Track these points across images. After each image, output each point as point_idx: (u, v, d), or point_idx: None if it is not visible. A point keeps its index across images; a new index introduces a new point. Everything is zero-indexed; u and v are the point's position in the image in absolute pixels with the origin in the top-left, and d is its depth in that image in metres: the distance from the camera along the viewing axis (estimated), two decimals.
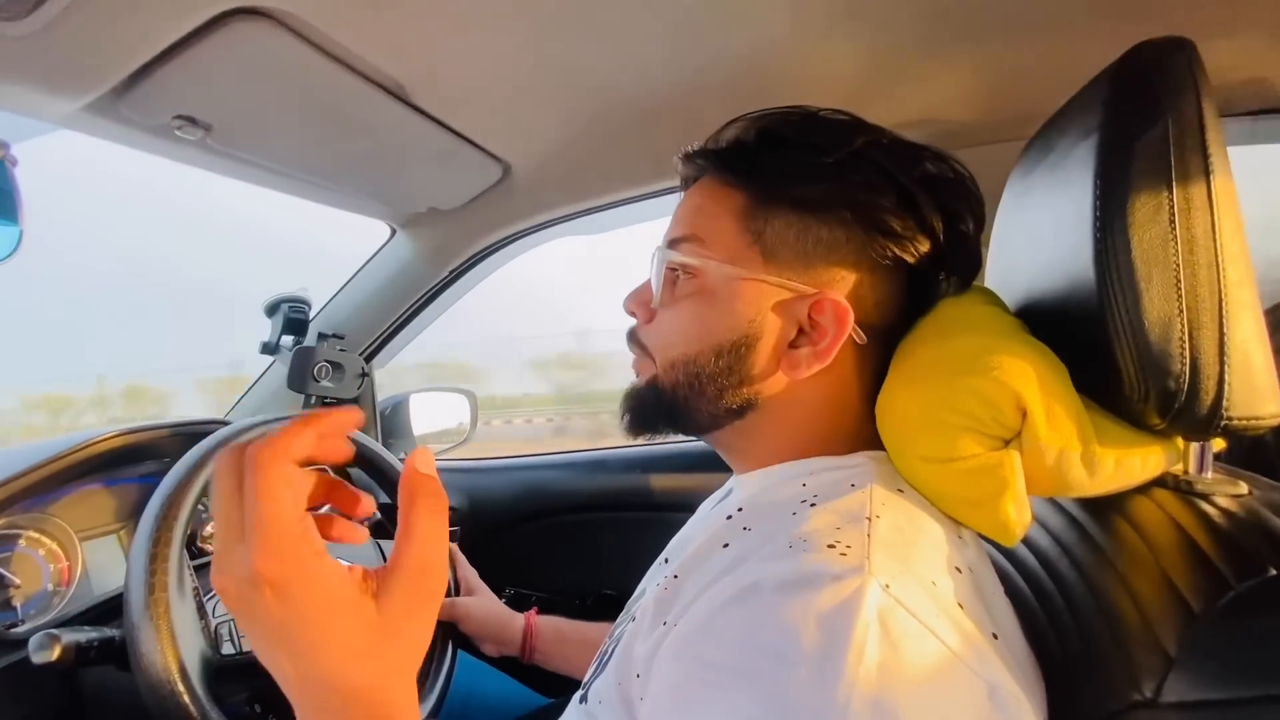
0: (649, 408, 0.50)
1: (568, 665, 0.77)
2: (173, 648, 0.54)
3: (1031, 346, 0.41)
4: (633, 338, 0.52)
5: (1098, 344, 0.39)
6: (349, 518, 0.36)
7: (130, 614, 0.55)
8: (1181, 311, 0.36)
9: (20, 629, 0.69)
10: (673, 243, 0.48)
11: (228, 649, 0.60)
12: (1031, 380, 0.39)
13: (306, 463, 0.33)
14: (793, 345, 0.45)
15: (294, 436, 0.32)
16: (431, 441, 1.33)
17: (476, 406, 1.40)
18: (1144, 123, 0.38)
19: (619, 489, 1.10)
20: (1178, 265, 0.37)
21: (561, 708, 0.55)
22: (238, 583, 0.30)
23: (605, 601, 1.09)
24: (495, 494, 1.18)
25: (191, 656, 0.55)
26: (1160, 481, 0.43)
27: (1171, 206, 0.37)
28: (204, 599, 0.60)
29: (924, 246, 0.45)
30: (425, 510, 0.33)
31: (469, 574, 0.86)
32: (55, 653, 0.55)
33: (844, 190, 0.44)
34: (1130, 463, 0.41)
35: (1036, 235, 0.47)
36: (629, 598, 0.55)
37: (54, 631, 0.56)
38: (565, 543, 1.13)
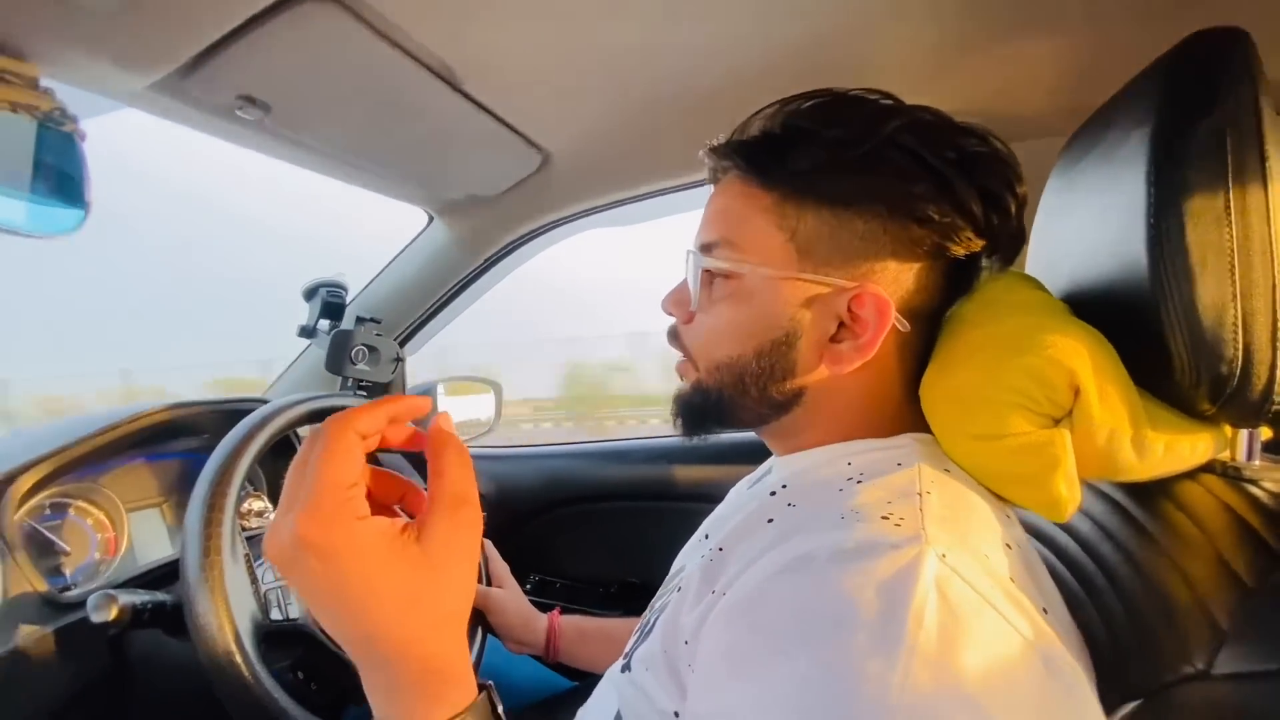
0: (696, 410, 0.50)
1: (591, 663, 0.78)
2: (227, 611, 0.56)
3: (1083, 328, 0.42)
4: (674, 336, 0.52)
5: (1149, 330, 0.39)
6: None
7: (187, 576, 0.57)
8: (1235, 298, 0.37)
9: (72, 593, 0.71)
10: (706, 247, 0.48)
11: (275, 615, 0.62)
12: (1085, 359, 0.39)
13: (375, 445, 0.35)
14: (834, 339, 0.45)
15: (366, 412, 0.33)
16: (458, 431, 1.34)
17: (502, 398, 1.42)
18: (1200, 112, 0.38)
19: (644, 479, 1.11)
20: (1233, 251, 0.37)
21: (587, 691, 0.56)
22: (282, 548, 0.31)
23: (628, 589, 1.10)
24: (522, 482, 1.19)
25: (244, 621, 0.57)
26: (1208, 468, 0.44)
27: (1227, 193, 0.37)
28: (254, 565, 0.62)
29: (964, 231, 0.44)
30: (453, 453, 0.35)
31: (499, 567, 0.87)
32: (113, 612, 0.57)
33: (875, 183, 0.43)
34: (1179, 447, 0.41)
35: (1083, 226, 0.48)
36: (652, 585, 0.55)
37: (111, 592, 0.58)
38: (590, 531, 1.14)
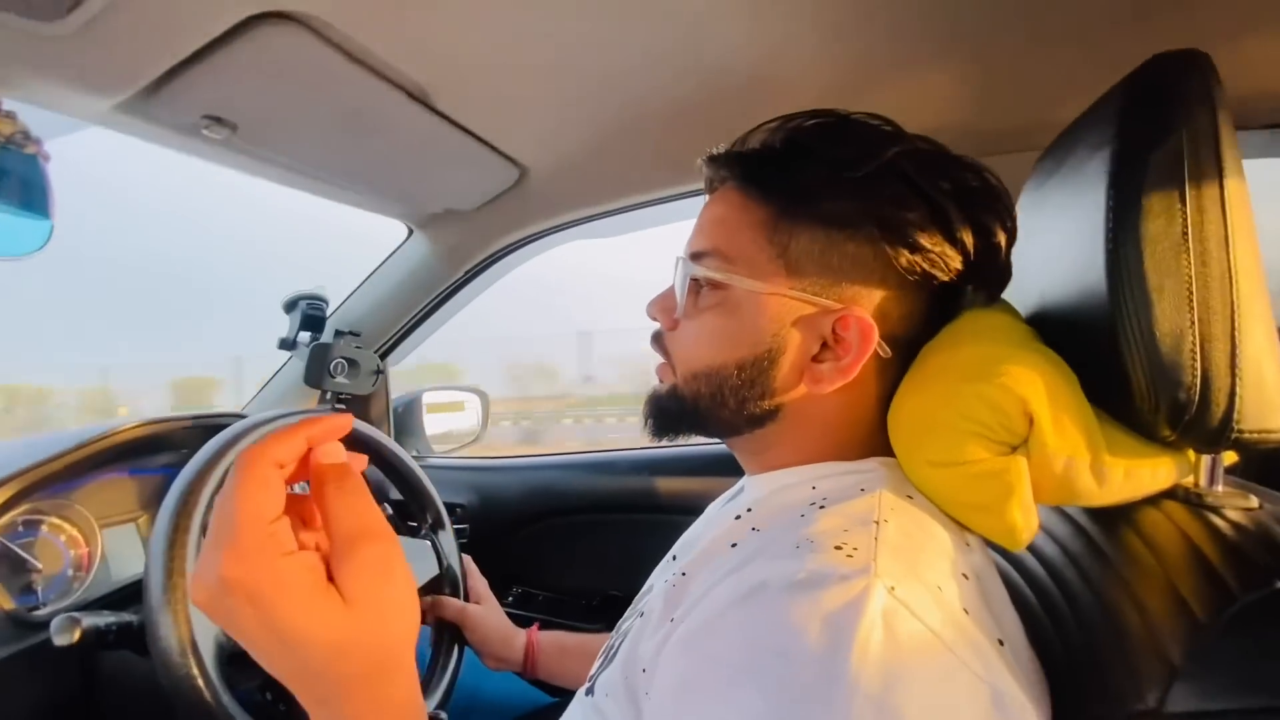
0: (670, 414, 0.50)
1: (570, 678, 0.78)
2: (189, 632, 0.55)
3: (1042, 355, 0.41)
4: (657, 341, 0.52)
5: (1109, 354, 0.39)
6: None
7: (149, 598, 0.56)
8: (1194, 323, 0.36)
9: (41, 612, 0.71)
10: (696, 255, 0.48)
11: None
12: (1039, 388, 0.39)
13: (295, 470, 0.34)
14: (816, 359, 0.45)
15: (280, 441, 0.32)
16: (442, 441, 1.34)
17: (488, 406, 1.42)
18: (1158, 135, 0.38)
19: (627, 490, 1.11)
20: (1190, 277, 0.37)
21: (564, 707, 0.55)
22: (209, 589, 0.30)
23: (611, 602, 1.09)
24: (504, 493, 1.18)
25: (206, 641, 0.56)
26: (1170, 493, 0.43)
27: (1185, 218, 0.37)
28: None
29: (954, 262, 0.44)
30: (332, 489, 0.33)
31: (479, 584, 0.87)
32: (75, 635, 0.57)
33: (871, 206, 0.43)
34: (1140, 473, 0.41)
35: (1050, 246, 0.47)
36: (634, 598, 0.55)
37: (75, 615, 0.58)
38: (572, 543, 1.14)
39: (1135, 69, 0.41)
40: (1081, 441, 0.40)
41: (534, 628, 0.82)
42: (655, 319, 0.52)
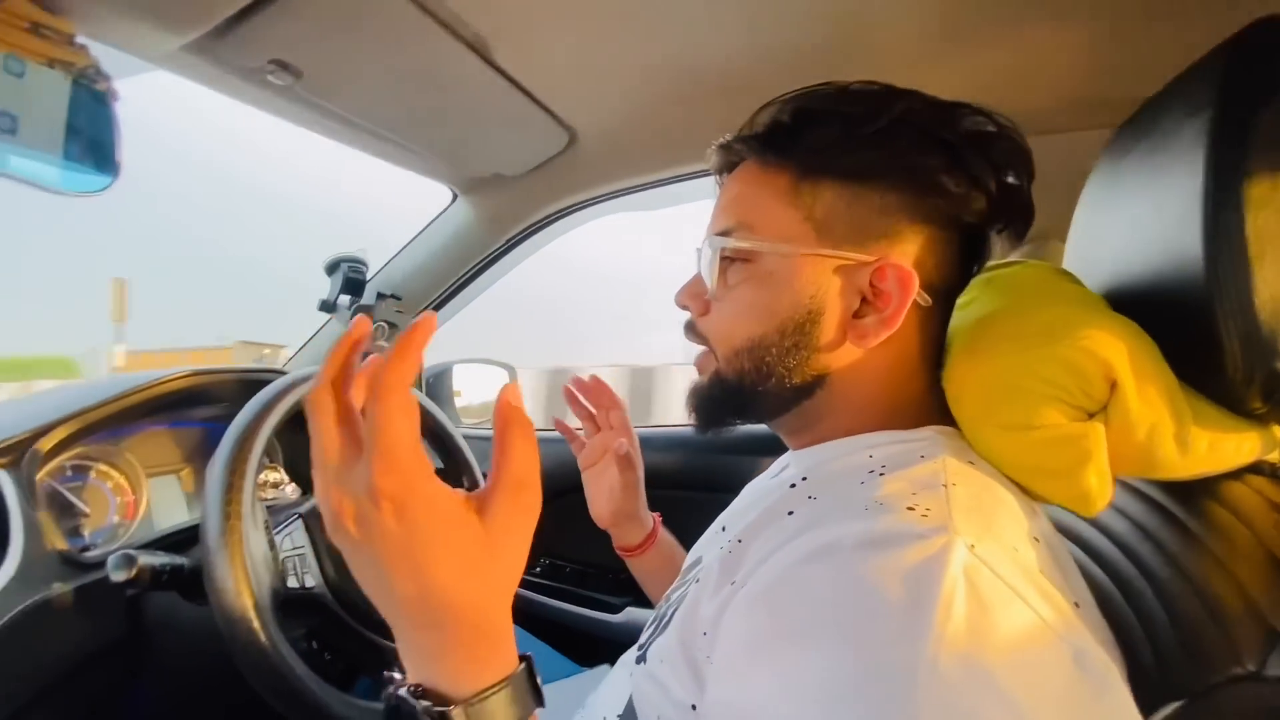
0: (716, 402, 0.49)
1: (654, 581, 0.75)
2: (246, 577, 0.56)
3: (1120, 320, 0.41)
4: (691, 329, 0.51)
5: (1198, 324, 0.38)
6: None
7: (207, 541, 0.57)
8: None
9: (90, 554, 0.72)
10: (721, 233, 0.47)
11: (292, 583, 0.62)
12: (1122, 352, 0.38)
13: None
14: (857, 315, 0.44)
15: (406, 366, 0.32)
16: (472, 413, 1.35)
17: (517, 380, 1.42)
18: (1263, 97, 0.37)
19: (661, 466, 1.10)
20: None
21: (598, 677, 0.55)
22: (357, 499, 0.30)
23: None
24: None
25: (262, 587, 0.57)
26: (1255, 469, 0.42)
27: None
28: (273, 533, 0.62)
29: (978, 202, 0.44)
30: (519, 432, 0.34)
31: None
32: (133, 572, 0.58)
33: (892, 155, 0.43)
34: (1224, 446, 0.40)
35: (1130, 218, 0.46)
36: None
37: (131, 552, 0.59)
38: None
39: (1234, 34, 0.39)
40: (1165, 410, 0.39)
41: (658, 516, 0.78)
42: (686, 307, 0.51)
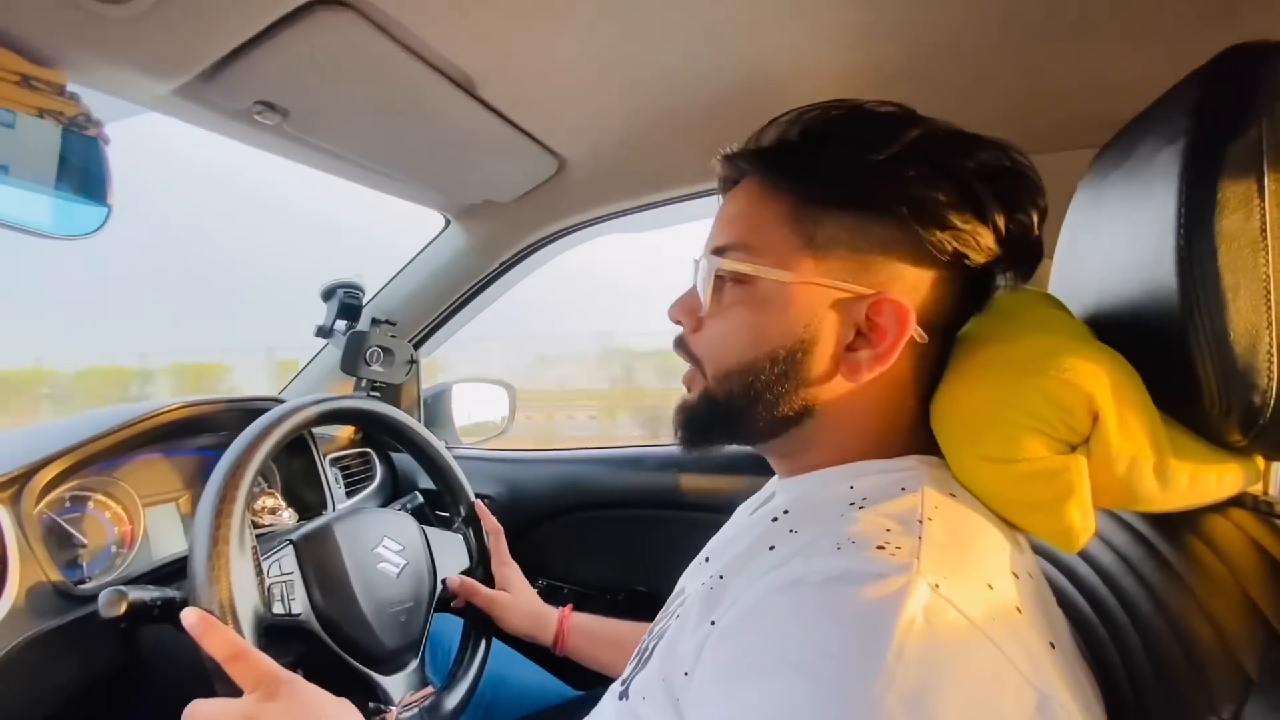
0: (703, 421, 0.48)
1: (597, 662, 0.78)
2: (231, 603, 0.56)
3: (1104, 351, 0.40)
4: (681, 345, 0.50)
5: (1177, 356, 0.38)
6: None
7: (194, 569, 0.57)
8: (1270, 324, 0.35)
9: (86, 586, 0.73)
10: (719, 250, 0.46)
11: (278, 609, 0.63)
12: (1104, 383, 0.38)
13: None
14: (850, 348, 0.43)
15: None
16: (470, 433, 1.35)
17: (515, 399, 1.42)
18: (1235, 128, 0.36)
19: (656, 487, 1.10)
20: (1268, 275, 0.35)
21: (591, 701, 0.55)
22: None
23: (636, 598, 1.09)
24: (533, 485, 1.19)
25: (246, 613, 0.57)
26: (1238, 502, 0.42)
27: (1263, 215, 0.35)
28: (261, 558, 0.63)
29: (985, 240, 0.42)
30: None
31: (507, 569, 0.86)
32: (122, 608, 0.58)
33: (899, 187, 0.41)
34: (1205, 479, 0.39)
35: (1109, 244, 0.46)
36: (660, 595, 0.54)
37: (122, 588, 0.59)
38: (600, 537, 1.14)
39: (1210, 60, 0.39)
40: (1146, 442, 0.38)
41: (567, 608, 0.82)
42: (678, 322, 0.50)
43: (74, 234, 0.59)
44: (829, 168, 0.43)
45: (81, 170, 0.58)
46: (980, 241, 0.42)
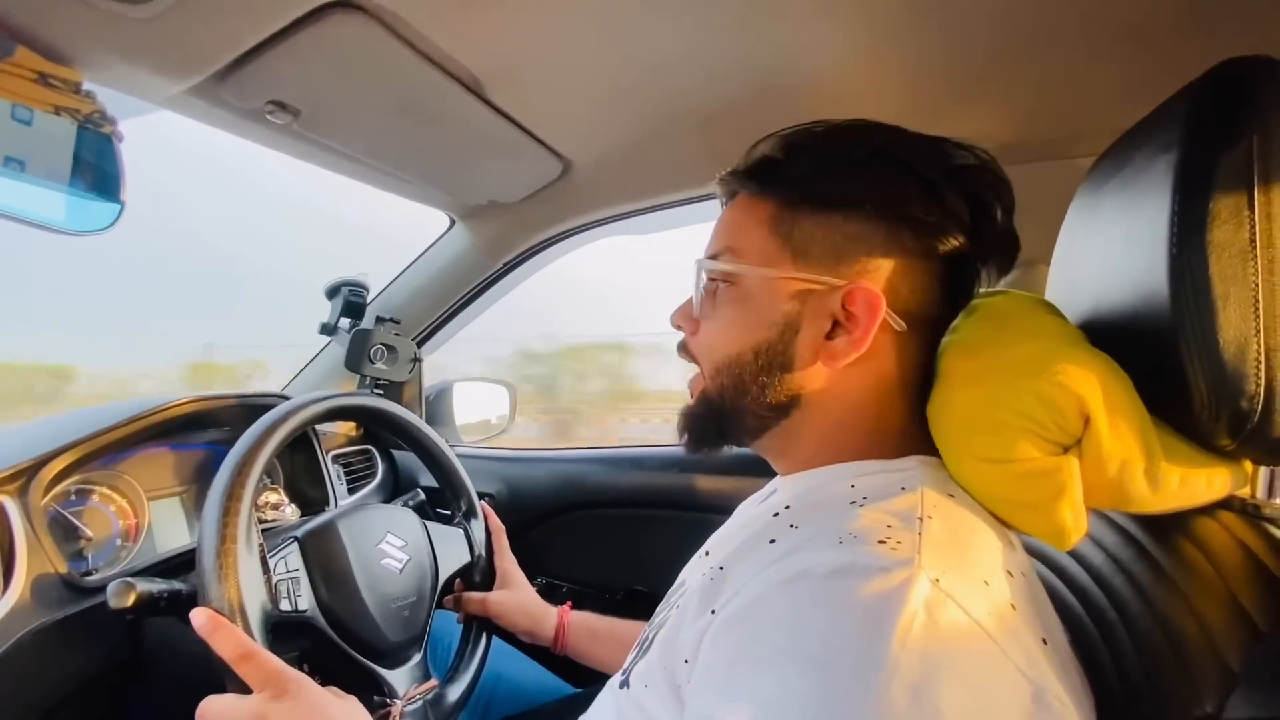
0: (702, 421, 0.51)
1: (596, 660, 0.79)
2: (239, 597, 0.57)
3: (1097, 356, 0.41)
4: (683, 349, 0.54)
5: (1168, 361, 0.39)
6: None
7: (202, 563, 0.58)
8: (1259, 332, 0.36)
9: (92, 578, 0.73)
10: (710, 257, 0.50)
11: (285, 605, 0.63)
12: (1096, 387, 0.39)
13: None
14: (829, 337, 0.46)
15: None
16: (472, 432, 1.36)
17: (516, 398, 1.43)
18: (1227, 139, 0.37)
19: (656, 487, 1.11)
20: (1256, 285, 0.36)
21: (590, 698, 0.56)
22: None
23: (635, 597, 1.10)
24: (533, 484, 1.20)
25: (254, 609, 0.58)
26: (1225, 504, 0.43)
27: (1252, 225, 0.36)
28: (267, 555, 0.63)
29: (952, 233, 0.46)
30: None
31: (508, 565, 0.88)
32: (131, 599, 0.59)
33: (867, 185, 0.45)
34: (1195, 481, 0.41)
35: (1105, 252, 0.47)
36: (659, 594, 0.56)
37: (130, 580, 0.60)
38: (599, 536, 1.15)
39: (1204, 73, 0.40)
40: (1137, 445, 0.39)
41: (566, 606, 0.83)
42: (679, 327, 0.54)
43: (87, 230, 0.60)
44: (803, 173, 0.47)
45: (96, 167, 0.59)
46: (947, 234, 0.46)
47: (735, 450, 0.52)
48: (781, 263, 0.47)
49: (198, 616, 0.55)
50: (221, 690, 0.57)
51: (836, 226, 0.46)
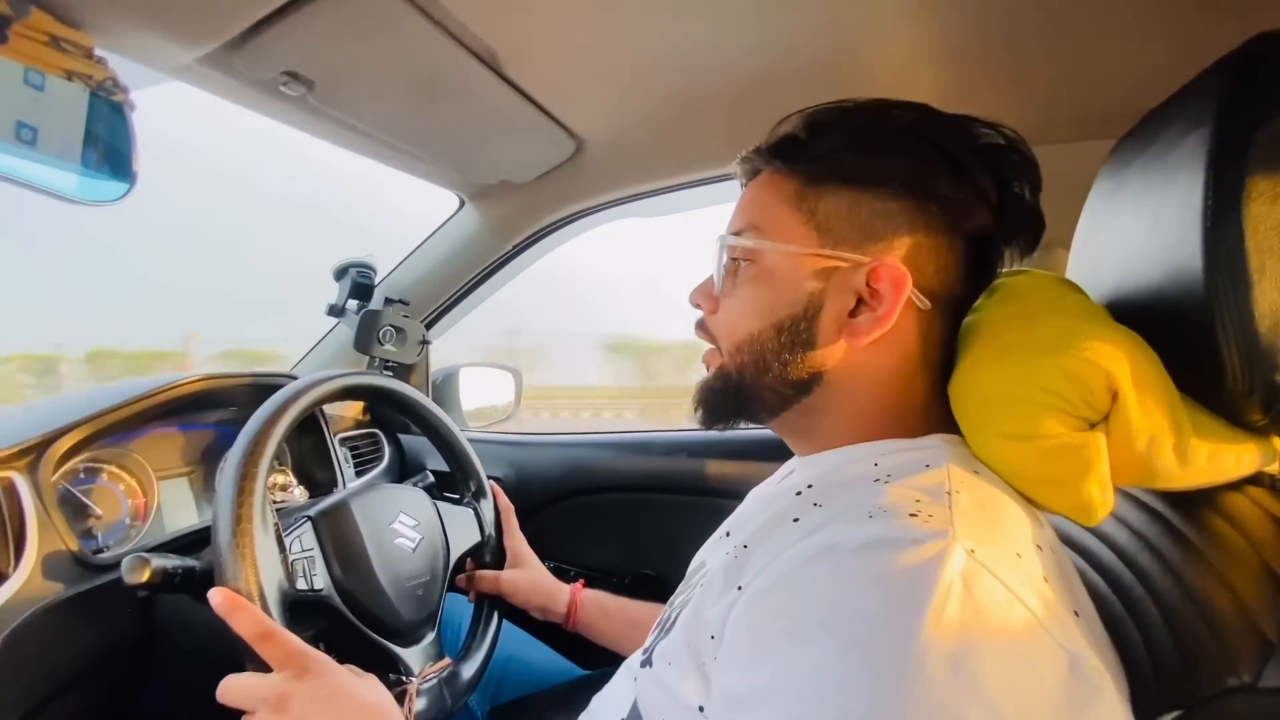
0: (719, 397, 0.50)
1: (608, 638, 0.79)
2: (256, 578, 0.56)
3: (1123, 332, 0.41)
4: (701, 327, 0.53)
5: (1199, 337, 0.38)
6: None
7: (218, 542, 0.57)
8: None
9: (104, 555, 0.73)
10: (732, 234, 0.50)
11: (301, 585, 0.63)
12: (1123, 362, 0.39)
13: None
14: (853, 314, 0.45)
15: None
16: (479, 417, 1.36)
17: (521, 384, 1.43)
18: (1263, 113, 0.37)
19: (664, 471, 1.11)
20: None
21: (602, 680, 0.56)
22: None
23: (643, 581, 1.10)
24: (541, 469, 1.19)
25: (272, 589, 0.58)
26: (1254, 480, 0.43)
27: None
28: (282, 534, 0.63)
29: (978, 212, 0.45)
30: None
31: (518, 543, 0.87)
32: (146, 574, 0.58)
33: (892, 162, 0.45)
34: (1224, 457, 0.40)
35: (1131, 230, 0.47)
36: (667, 578, 0.56)
37: (145, 555, 0.59)
38: (607, 521, 1.14)
39: (1237, 47, 0.40)
40: (1165, 421, 0.39)
41: (579, 584, 0.83)
42: (698, 306, 0.53)
43: (99, 200, 0.59)
44: (828, 150, 0.46)
45: (108, 137, 0.58)
46: (973, 213, 0.45)
47: (743, 434, 0.52)
48: (805, 239, 0.46)
49: (216, 596, 0.54)
50: (235, 668, 0.57)
51: (862, 203, 0.45)
